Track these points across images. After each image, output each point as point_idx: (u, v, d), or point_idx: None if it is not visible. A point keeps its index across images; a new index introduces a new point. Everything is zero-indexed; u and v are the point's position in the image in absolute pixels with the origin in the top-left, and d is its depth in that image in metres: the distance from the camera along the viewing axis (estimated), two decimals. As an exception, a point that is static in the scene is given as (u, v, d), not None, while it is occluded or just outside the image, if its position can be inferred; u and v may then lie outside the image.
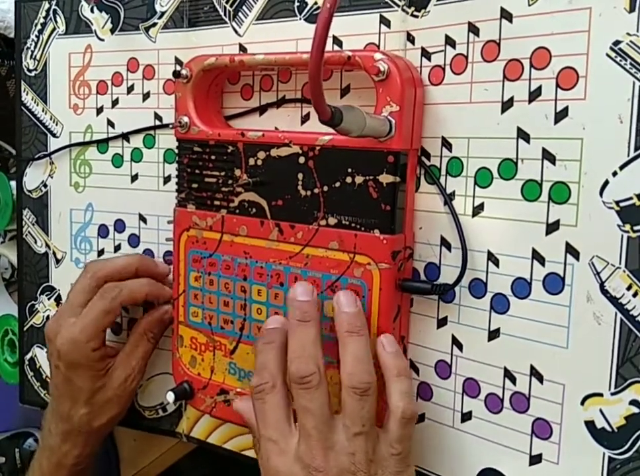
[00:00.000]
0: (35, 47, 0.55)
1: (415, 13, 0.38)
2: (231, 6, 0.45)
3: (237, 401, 0.43)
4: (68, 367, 0.47)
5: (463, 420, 0.38)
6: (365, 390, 0.35)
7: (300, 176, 0.40)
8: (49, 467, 0.50)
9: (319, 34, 0.26)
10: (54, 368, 0.49)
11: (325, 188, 0.39)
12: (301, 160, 0.40)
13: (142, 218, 0.51)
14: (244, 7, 0.45)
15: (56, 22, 0.54)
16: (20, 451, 0.61)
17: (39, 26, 0.55)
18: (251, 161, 0.42)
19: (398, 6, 0.39)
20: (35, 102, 0.55)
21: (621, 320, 0.32)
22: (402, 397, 0.36)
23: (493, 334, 0.37)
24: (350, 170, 0.38)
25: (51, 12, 0.54)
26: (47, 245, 0.57)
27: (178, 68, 0.48)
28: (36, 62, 0.55)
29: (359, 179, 0.38)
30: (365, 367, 0.36)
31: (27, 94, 0.56)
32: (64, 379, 0.48)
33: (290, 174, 0.40)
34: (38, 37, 0.55)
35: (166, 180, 0.50)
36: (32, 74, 0.55)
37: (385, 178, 0.37)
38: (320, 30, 0.26)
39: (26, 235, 0.58)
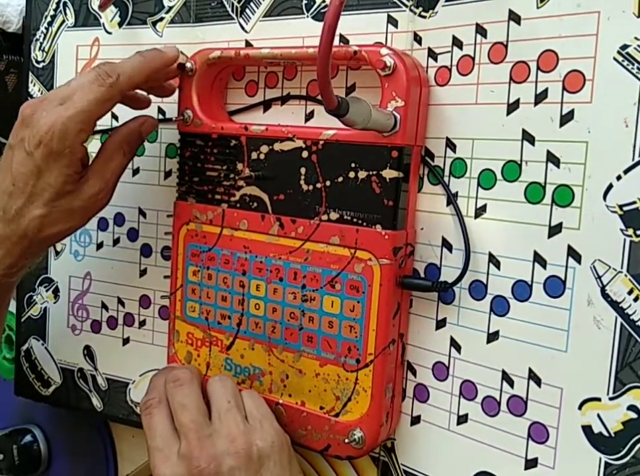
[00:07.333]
0: (44, 39, 0.55)
1: (423, 13, 0.38)
2: (238, 2, 0.45)
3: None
4: (45, 158, 0.40)
5: (459, 423, 0.38)
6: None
7: (303, 170, 0.40)
8: None
9: (330, 19, 0.26)
10: (24, 155, 0.41)
11: (328, 183, 0.39)
12: (304, 154, 0.40)
13: (142, 212, 0.51)
14: (251, 4, 0.45)
15: (66, 14, 0.54)
16: (18, 448, 0.60)
17: (49, 18, 0.55)
18: (254, 155, 0.42)
19: (406, 6, 0.39)
20: (42, 94, 0.55)
21: (622, 324, 0.32)
22: None
23: (492, 337, 0.36)
24: (353, 165, 0.38)
25: (61, 4, 0.54)
26: (46, 237, 0.56)
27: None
28: (44, 54, 0.55)
29: (362, 174, 0.38)
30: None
31: (34, 86, 0.56)
32: (33, 170, 0.41)
33: (293, 168, 0.40)
34: (47, 29, 0.55)
35: (167, 174, 0.50)
36: (40, 66, 0.56)
37: (389, 174, 0.37)
38: (331, 15, 0.26)
39: (26, 226, 0.57)
